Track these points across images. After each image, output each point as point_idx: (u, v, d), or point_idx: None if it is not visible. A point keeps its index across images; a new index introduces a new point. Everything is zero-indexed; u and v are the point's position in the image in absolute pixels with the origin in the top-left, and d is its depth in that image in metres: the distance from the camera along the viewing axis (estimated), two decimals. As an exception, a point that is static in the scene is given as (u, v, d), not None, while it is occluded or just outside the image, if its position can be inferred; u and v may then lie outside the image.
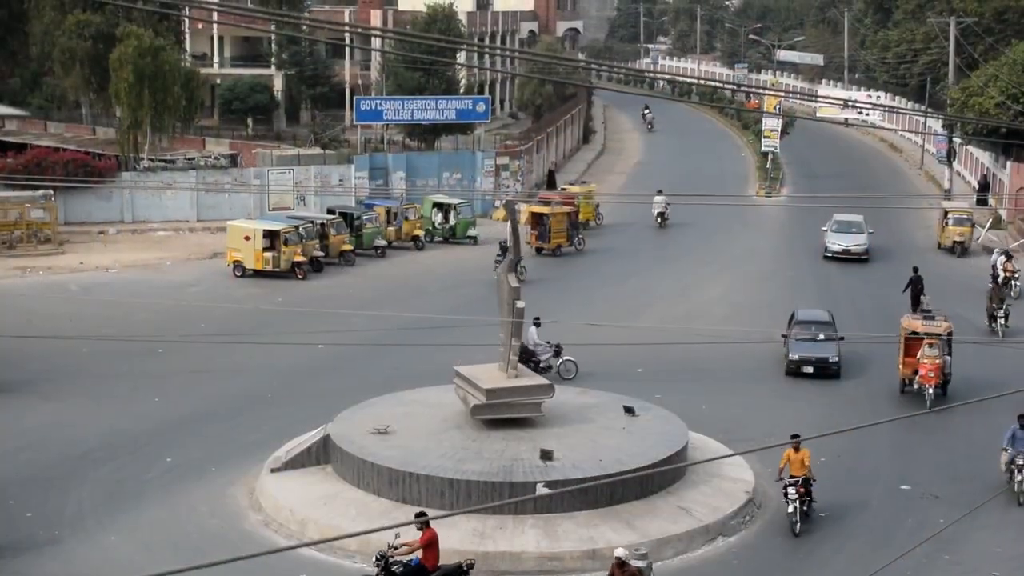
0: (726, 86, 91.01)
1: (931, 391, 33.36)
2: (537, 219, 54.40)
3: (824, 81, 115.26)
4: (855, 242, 53.61)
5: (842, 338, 37.92)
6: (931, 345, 33.84)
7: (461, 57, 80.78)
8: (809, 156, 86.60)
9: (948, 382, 34.29)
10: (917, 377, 33.66)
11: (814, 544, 25.23)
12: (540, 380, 28.61)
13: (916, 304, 43.18)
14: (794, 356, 37.21)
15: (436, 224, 57.71)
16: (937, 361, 33.59)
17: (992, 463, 29.43)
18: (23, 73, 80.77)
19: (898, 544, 24.36)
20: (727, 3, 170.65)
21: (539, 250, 53.90)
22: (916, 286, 44.17)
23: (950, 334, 34.83)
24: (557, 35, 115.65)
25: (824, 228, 54.64)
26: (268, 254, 49.02)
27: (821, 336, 38.01)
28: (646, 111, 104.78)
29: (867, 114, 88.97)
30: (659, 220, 61.56)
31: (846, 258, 53.07)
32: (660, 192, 61.24)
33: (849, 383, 36.45)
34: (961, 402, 29.33)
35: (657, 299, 46.92)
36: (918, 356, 33.99)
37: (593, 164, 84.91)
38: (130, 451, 30.11)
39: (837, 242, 53.61)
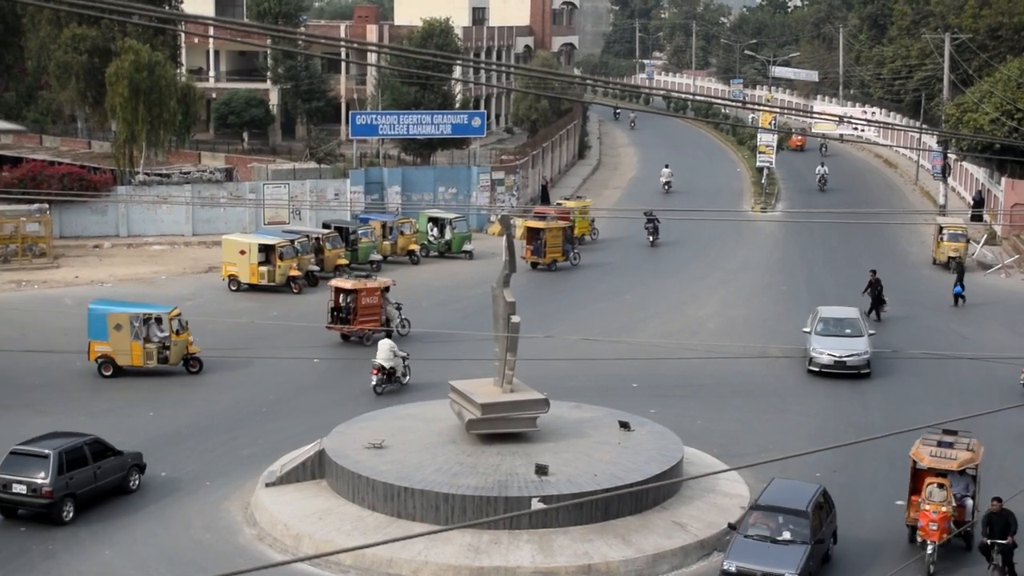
0: (724, 101, 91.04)
1: (931, 551, 24.22)
2: (533, 234, 54.47)
3: (819, 97, 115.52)
4: (851, 350, 38.66)
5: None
6: (940, 486, 24.83)
7: (457, 72, 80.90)
8: (804, 171, 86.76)
9: (969, 533, 25.34)
10: (918, 528, 25.04)
11: (809, 559, 25.16)
12: (535, 395, 28.60)
13: (876, 308, 45.39)
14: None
15: (431, 239, 57.75)
16: (943, 509, 24.52)
17: (986, 479, 29.47)
18: (19, 87, 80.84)
19: (892, 562, 24.35)
20: (722, 19, 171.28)
21: (535, 265, 53.93)
22: (875, 289, 45.56)
23: (974, 468, 25.78)
24: (553, 50, 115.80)
25: (806, 329, 40.01)
26: (263, 268, 49.02)
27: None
28: (631, 115, 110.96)
29: (862, 130, 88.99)
30: (665, 188, 76.10)
31: (840, 373, 38.34)
32: (667, 166, 76.16)
33: (844, 397, 36.44)
34: (960, 416, 29.23)
35: (652, 314, 46.95)
36: (920, 499, 25.16)
37: (588, 179, 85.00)
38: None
39: (826, 351, 38.58)
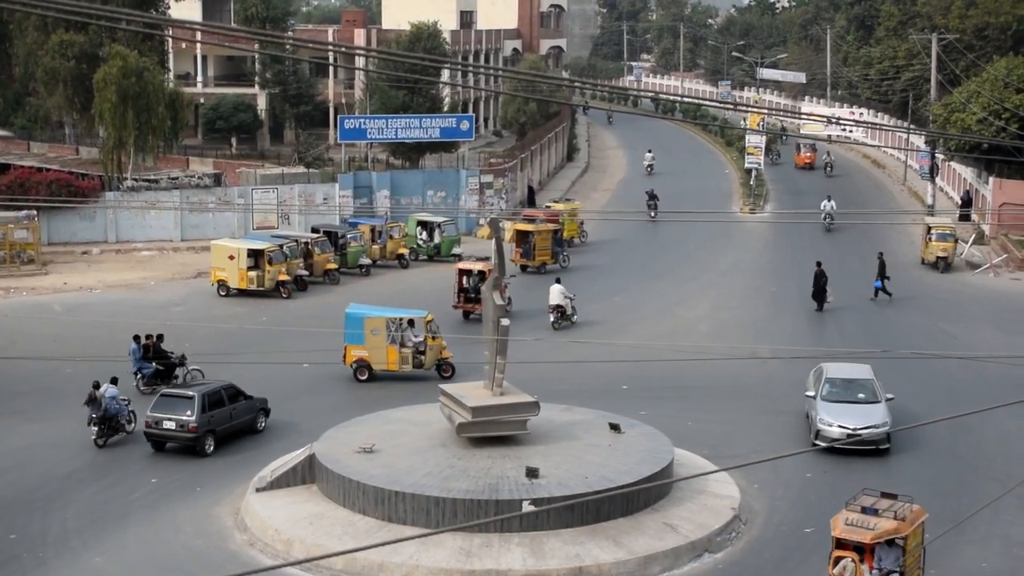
0: (712, 103, 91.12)
1: None
2: (522, 237, 54.49)
3: (807, 98, 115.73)
4: (867, 420, 31.31)
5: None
6: (854, 560, 21.26)
7: (445, 75, 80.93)
8: (793, 173, 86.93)
9: None
10: None
11: (802, 559, 25.23)
12: (526, 398, 28.61)
13: (820, 298, 46.97)
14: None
15: (421, 242, 57.75)
16: None
17: (977, 478, 29.56)
18: (6, 93, 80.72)
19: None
20: (710, 21, 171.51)
21: (524, 268, 53.95)
22: (819, 281, 47.15)
23: (903, 539, 21.70)
24: (541, 53, 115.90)
25: (810, 393, 33.31)
26: (252, 273, 48.99)
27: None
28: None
29: (850, 130, 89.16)
30: (648, 170, 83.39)
31: (854, 449, 30.95)
32: (649, 151, 78.68)
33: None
34: (945, 416, 29.30)
35: (642, 316, 46.98)
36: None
37: (577, 181, 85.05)
38: (115, 472, 30.02)
39: (836, 421, 31.39)
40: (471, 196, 65.62)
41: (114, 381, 32.43)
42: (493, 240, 29.59)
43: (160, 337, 36.74)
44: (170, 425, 30.91)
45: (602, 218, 64.99)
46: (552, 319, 43.24)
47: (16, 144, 75.86)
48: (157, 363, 36.27)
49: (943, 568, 24.49)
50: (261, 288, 48.97)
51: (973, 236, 60.60)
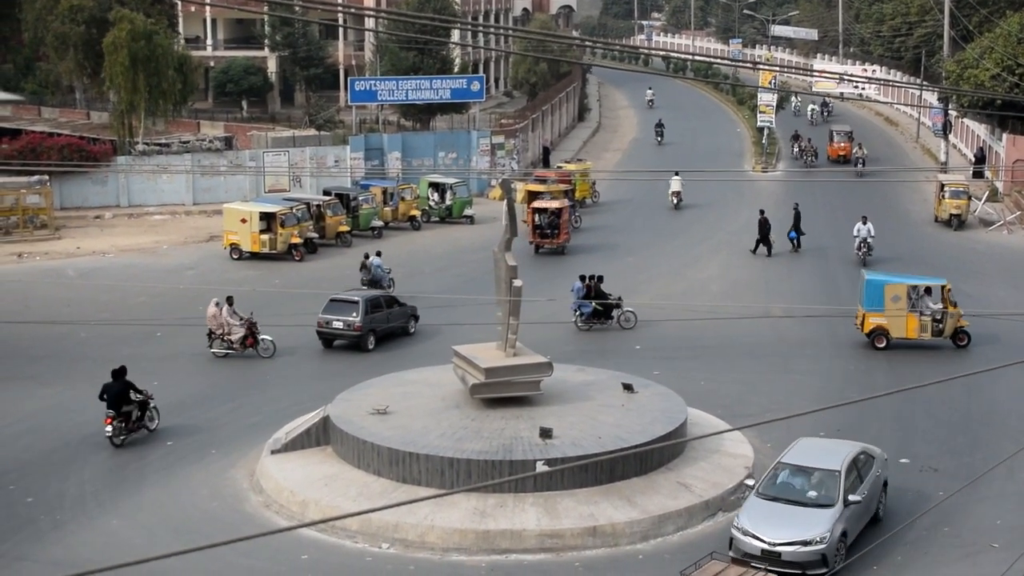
0: (724, 62, 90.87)
1: None
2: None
3: (819, 55, 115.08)
4: (797, 533, 22.31)
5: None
6: None
7: (455, 36, 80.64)
8: (805, 131, 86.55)
9: None
10: None
11: (814, 518, 25.21)
12: (539, 358, 28.61)
13: (766, 244, 49.58)
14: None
15: (432, 204, 57.69)
16: None
17: (991, 435, 29.54)
18: (16, 59, 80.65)
19: (898, 517, 24.43)
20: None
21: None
22: (763, 228, 49.72)
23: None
24: (551, 13, 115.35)
25: (749, 481, 25.90)
26: (265, 236, 49.02)
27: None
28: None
29: (863, 88, 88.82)
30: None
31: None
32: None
33: (845, 357, 36.46)
34: (961, 374, 29.23)
35: (655, 276, 46.94)
36: None
37: (589, 142, 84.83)
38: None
39: (753, 529, 22.54)
40: (482, 157, 65.49)
41: (379, 254, 43.21)
42: (505, 201, 29.49)
43: (600, 279, 39.80)
44: (338, 325, 36.55)
45: (614, 178, 64.83)
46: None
47: (27, 109, 75.89)
48: (596, 303, 39.13)
49: (957, 526, 24.51)
50: (273, 251, 49.01)
51: (986, 193, 60.35)
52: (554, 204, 50.33)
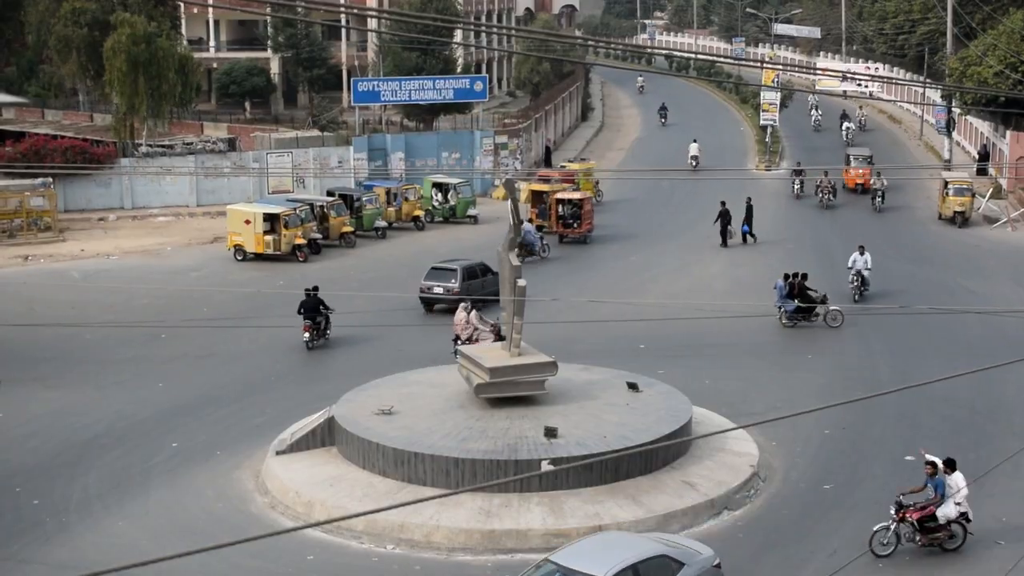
0: (726, 60, 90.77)
1: None
2: (537, 197, 54.24)
3: (822, 53, 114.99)
4: None
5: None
6: None
7: (458, 36, 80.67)
8: (808, 129, 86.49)
9: None
10: None
11: (820, 515, 25.26)
12: (543, 358, 28.60)
13: (723, 236, 50.85)
14: None
15: (436, 204, 57.70)
16: None
17: (996, 432, 29.51)
18: (19, 61, 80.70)
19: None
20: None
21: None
22: (724, 219, 51.01)
23: None
24: (553, 12, 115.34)
25: None
26: (269, 237, 49.05)
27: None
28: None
29: (866, 86, 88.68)
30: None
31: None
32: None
33: (851, 354, 36.45)
34: (966, 371, 29.15)
35: (658, 275, 46.94)
36: None
37: (592, 141, 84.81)
38: (135, 437, 30.14)
39: None
40: (486, 157, 65.49)
41: (530, 220, 48.20)
42: (509, 201, 29.50)
43: (805, 276, 39.76)
44: (439, 290, 40.46)
45: (617, 178, 64.81)
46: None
47: (30, 112, 75.96)
48: (800, 301, 39.09)
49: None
50: (277, 252, 49.04)
51: (990, 190, 60.28)
52: (576, 195, 52.87)
